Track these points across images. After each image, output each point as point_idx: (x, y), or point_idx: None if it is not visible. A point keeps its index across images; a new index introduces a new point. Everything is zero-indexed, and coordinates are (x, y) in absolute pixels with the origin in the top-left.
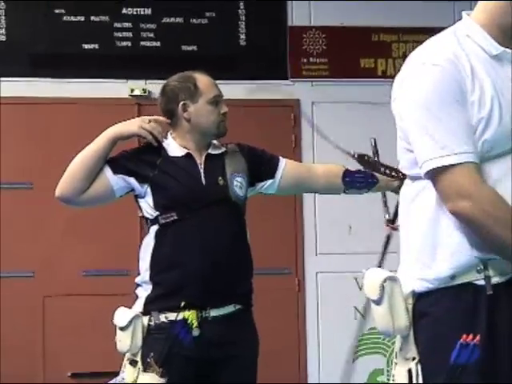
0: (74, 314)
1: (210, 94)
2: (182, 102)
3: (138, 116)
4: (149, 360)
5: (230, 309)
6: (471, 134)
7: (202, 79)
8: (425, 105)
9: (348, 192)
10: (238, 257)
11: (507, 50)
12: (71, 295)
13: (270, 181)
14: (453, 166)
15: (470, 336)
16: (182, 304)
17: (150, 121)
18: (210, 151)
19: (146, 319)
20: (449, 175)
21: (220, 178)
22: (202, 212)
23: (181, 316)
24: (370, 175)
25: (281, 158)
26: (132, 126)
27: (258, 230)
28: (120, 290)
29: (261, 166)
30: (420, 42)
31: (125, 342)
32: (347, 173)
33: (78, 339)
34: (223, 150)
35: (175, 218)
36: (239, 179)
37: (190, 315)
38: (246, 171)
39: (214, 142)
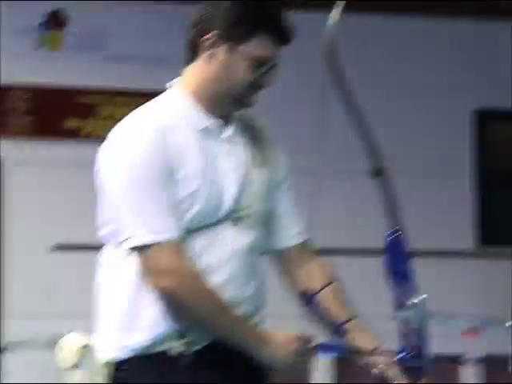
0: None
1: None
2: None
3: None
4: None
5: None
6: (176, 210)
7: None
8: (132, 179)
9: None
10: None
11: (216, 123)
12: None
13: None
14: (156, 243)
15: None
16: None
17: None
18: None
19: None
20: (151, 252)
21: None
22: None
23: None
24: None
25: None
26: None
27: None
28: None
29: None
30: (127, 105)
31: None
32: None
33: None
34: None
35: None
36: None
37: None
38: None
39: None
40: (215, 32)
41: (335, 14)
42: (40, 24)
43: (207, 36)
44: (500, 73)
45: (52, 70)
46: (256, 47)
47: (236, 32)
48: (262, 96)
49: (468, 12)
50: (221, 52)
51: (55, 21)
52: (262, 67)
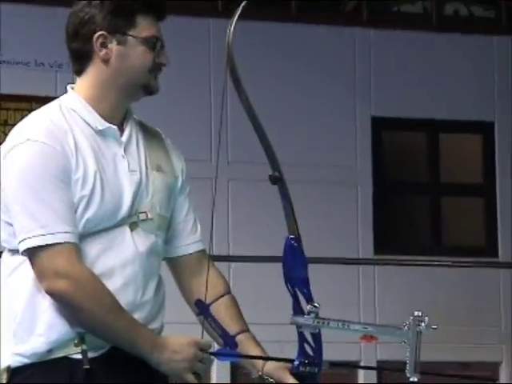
0: None
1: None
2: None
3: None
4: None
5: None
6: (73, 213)
7: None
8: (27, 182)
9: None
10: None
11: (112, 126)
12: None
13: None
14: (51, 245)
15: None
16: None
17: None
18: None
19: None
20: (46, 254)
21: None
22: None
23: None
24: None
25: None
26: None
27: None
28: None
29: None
30: (21, 110)
31: None
32: None
33: None
34: None
35: None
36: None
37: None
38: None
39: None
40: (100, 32)
41: (234, 20)
42: None
43: (95, 38)
44: (398, 81)
45: None
46: (143, 30)
47: (120, 23)
48: (161, 105)
49: (368, 21)
50: (114, 48)
51: None
52: (156, 47)
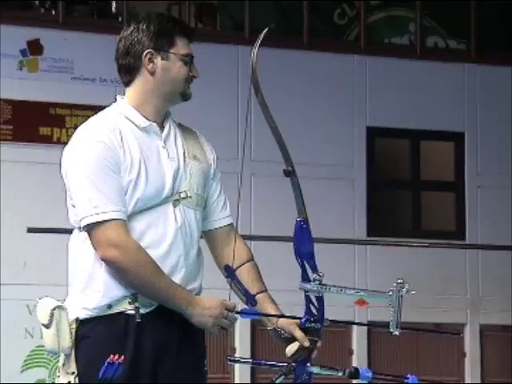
0: None
1: None
2: None
3: None
4: None
5: None
6: (122, 196)
7: None
8: (86, 174)
9: None
10: None
11: (153, 123)
12: None
13: None
14: (103, 221)
15: (116, 356)
16: None
17: None
18: None
19: None
20: (100, 229)
21: None
22: None
23: None
24: None
25: None
26: None
27: None
28: None
29: None
30: (88, 117)
31: None
32: None
33: None
34: None
35: None
36: None
37: None
38: None
39: None
40: (148, 50)
41: (256, 47)
42: (21, 50)
43: (144, 55)
44: (389, 99)
45: (30, 88)
46: (180, 48)
47: (163, 42)
48: (199, 113)
49: (365, 49)
50: (159, 62)
51: (33, 48)
52: (190, 62)
